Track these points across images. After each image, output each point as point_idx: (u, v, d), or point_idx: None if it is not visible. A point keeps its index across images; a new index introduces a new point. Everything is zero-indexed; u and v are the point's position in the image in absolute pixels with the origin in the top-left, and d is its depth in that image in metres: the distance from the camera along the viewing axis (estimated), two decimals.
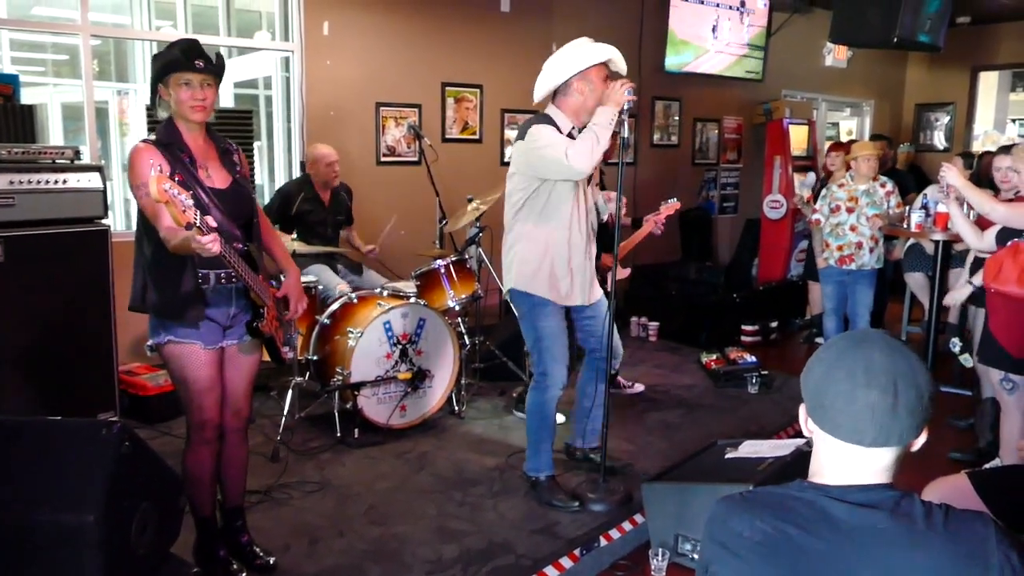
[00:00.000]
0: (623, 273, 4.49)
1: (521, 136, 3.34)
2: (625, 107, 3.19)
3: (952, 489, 2.48)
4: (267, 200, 5.13)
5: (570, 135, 3.32)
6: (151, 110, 2.72)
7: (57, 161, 3.95)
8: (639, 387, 5.10)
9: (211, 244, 2.27)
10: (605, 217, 3.58)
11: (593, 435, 3.78)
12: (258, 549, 2.95)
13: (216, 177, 2.66)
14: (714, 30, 7.72)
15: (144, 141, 2.57)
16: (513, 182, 3.42)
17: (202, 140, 2.67)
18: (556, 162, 3.19)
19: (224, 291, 2.66)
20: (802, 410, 1.37)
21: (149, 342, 2.69)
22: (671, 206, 4.69)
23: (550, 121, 3.32)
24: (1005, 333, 3.52)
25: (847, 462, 1.31)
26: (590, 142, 3.15)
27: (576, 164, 3.16)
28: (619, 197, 3.35)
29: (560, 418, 4.05)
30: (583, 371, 3.77)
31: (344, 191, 5.03)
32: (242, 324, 2.72)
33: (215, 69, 2.62)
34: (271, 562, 2.93)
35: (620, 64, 3.32)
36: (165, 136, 2.59)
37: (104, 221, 4.06)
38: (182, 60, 2.55)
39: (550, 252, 3.37)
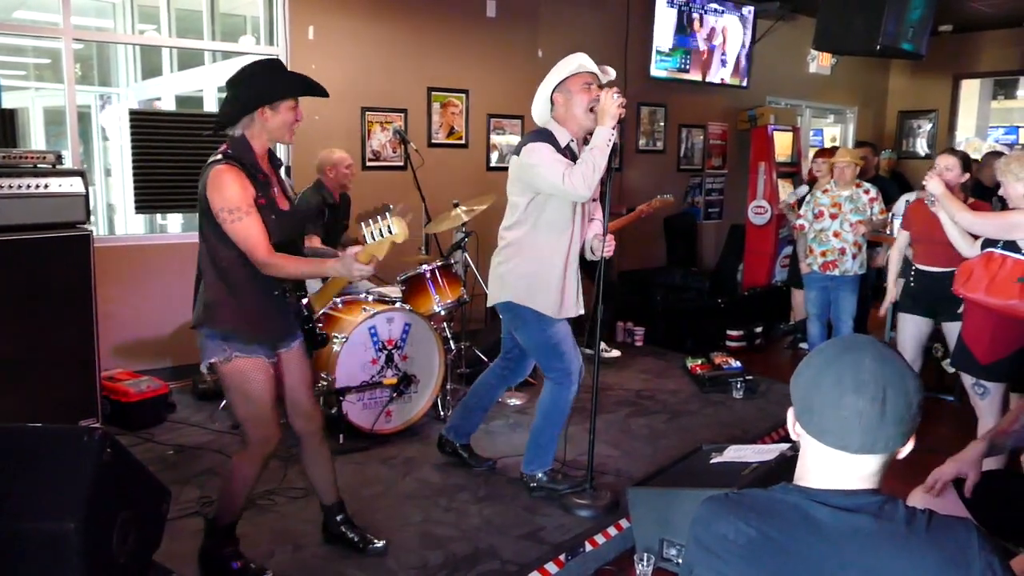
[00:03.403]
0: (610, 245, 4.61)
1: (517, 151, 3.36)
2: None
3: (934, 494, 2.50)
4: None
5: (568, 147, 3.34)
6: (217, 126, 2.66)
7: (38, 166, 3.91)
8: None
9: (375, 266, 2.52)
10: (593, 256, 3.54)
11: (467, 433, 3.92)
12: (370, 536, 3.08)
13: (280, 198, 2.71)
14: (699, 36, 7.77)
15: (225, 162, 2.54)
16: (513, 192, 3.43)
17: (267, 159, 2.71)
18: (553, 185, 3.22)
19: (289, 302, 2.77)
20: (790, 413, 1.37)
21: (211, 360, 2.64)
22: (665, 200, 5.10)
23: (548, 136, 3.33)
24: (974, 339, 3.57)
25: (833, 467, 1.31)
26: (588, 168, 3.17)
27: (573, 190, 3.19)
28: (607, 202, 3.36)
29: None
30: (493, 372, 3.81)
31: (346, 195, 5.03)
32: (294, 331, 2.80)
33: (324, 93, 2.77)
34: (383, 544, 3.07)
35: (590, 67, 3.35)
36: (242, 155, 2.58)
37: (86, 226, 4.03)
38: (315, 86, 2.70)
39: (550, 266, 3.38)
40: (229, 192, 2.49)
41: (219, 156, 2.58)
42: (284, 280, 2.68)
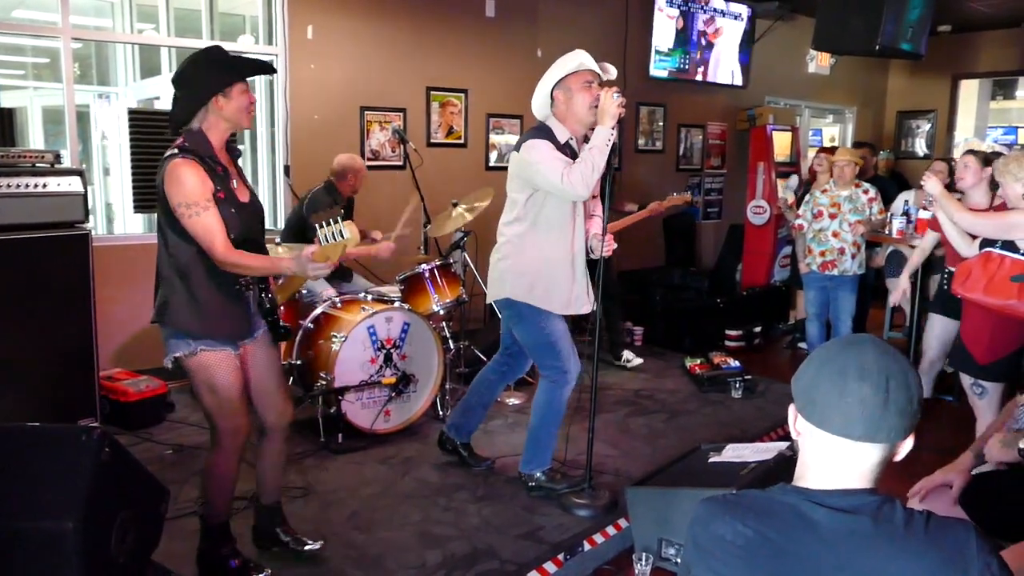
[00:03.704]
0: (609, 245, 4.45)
1: (517, 148, 3.37)
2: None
3: (932, 495, 2.50)
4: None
5: (567, 144, 3.35)
6: (177, 121, 2.61)
7: (37, 165, 3.91)
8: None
9: (329, 266, 2.51)
10: (592, 256, 3.54)
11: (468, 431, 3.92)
12: (304, 538, 3.01)
13: (240, 189, 2.67)
14: (698, 36, 7.77)
15: (182, 156, 2.50)
16: (512, 188, 3.44)
17: (224, 151, 2.67)
18: (552, 183, 3.23)
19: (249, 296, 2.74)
20: (791, 411, 1.37)
21: (175, 354, 2.61)
22: (682, 197, 5.02)
23: (547, 132, 3.35)
24: (973, 339, 3.57)
25: (834, 460, 1.31)
26: (587, 168, 3.18)
27: (572, 189, 3.20)
28: (606, 200, 3.36)
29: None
30: (492, 369, 3.81)
31: (352, 197, 5.05)
32: (258, 323, 2.77)
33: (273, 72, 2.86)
34: (320, 545, 3.01)
35: (590, 65, 3.36)
36: (199, 148, 2.54)
37: (85, 225, 4.03)
38: (264, 65, 2.71)
39: (552, 263, 3.38)
40: (187, 186, 2.45)
41: (175, 150, 2.53)
42: (243, 275, 2.66)
